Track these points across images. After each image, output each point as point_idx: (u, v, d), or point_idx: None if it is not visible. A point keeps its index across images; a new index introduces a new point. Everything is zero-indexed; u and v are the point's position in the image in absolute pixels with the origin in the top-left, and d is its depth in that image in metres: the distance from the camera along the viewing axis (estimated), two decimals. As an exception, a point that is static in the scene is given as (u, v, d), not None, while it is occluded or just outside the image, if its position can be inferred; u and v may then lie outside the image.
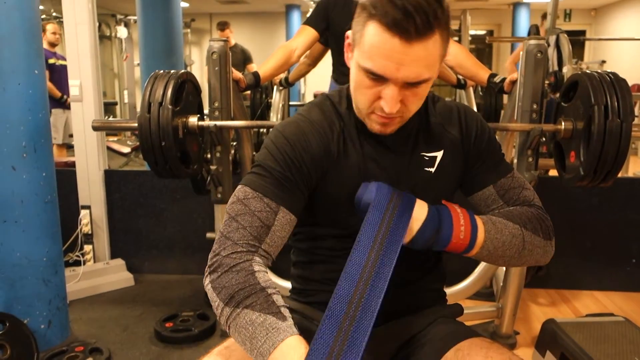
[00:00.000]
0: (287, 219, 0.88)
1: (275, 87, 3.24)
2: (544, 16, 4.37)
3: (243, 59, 5.32)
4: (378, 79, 0.83)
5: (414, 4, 0.76)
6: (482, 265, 2.11)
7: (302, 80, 3.09)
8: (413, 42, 0.77)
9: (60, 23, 5.58)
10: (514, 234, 0.91)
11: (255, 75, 2.11)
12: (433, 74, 0.84)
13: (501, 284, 2.08)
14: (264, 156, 0.90)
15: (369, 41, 0.80)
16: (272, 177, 0.88)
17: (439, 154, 0.97)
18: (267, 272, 0.85)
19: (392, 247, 0.81)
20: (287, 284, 1.14)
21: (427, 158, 0.96)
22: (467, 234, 0.87)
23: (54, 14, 6.53)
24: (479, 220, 0.90)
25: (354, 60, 0.86)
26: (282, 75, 2.90)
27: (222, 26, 5.40)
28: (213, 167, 1.98)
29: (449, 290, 1.16)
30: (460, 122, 0.99)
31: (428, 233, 0.85)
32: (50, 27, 4.79)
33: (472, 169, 1.00)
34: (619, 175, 1.70)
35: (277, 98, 3.26)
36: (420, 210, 0.86)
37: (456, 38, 3.89)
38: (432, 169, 0.96)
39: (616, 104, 1.57)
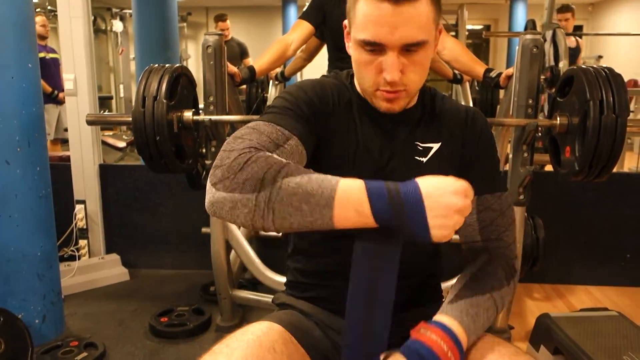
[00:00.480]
0: (298, 149, 0.83)
1: (271, 82, 3.23)
2: (561, 9, 4.36)
3: (240, 52, 5.30)
4: (376, 49, 0.84)
5: None
6: (477, 260, 2.12)
7: (298, 74, 3.08)
8: (402, 3, 0.79)
9: (55, 16, 5.55)
10: (488, 307, 0.88)
11: (251, 69, 2.10)
12: (428, 37, 0.84)
13: (496, 278, 2.09)
14: (277, 101, 0.90)
15: (361, 13, 0.83)
16: (283, 112, 0.87)
17: (435, 146, 0.97)
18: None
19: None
20: (282, 279, 1.14)
21: (420, 148, 0.96)
22: (456, 354, 0.80)
23: (49, 7, 6.48)
24: (457, 330, 0.82)
25: (352, 40, 0.88)
26: (278, 70, 2.89)
27: (222, 17, 5.35)
28: (208, 162, 1.97)
29: (444, 285, 1.17)
30: (466, 121, 0.99)
31: None
32: (38, 19, 4.71)
33: (465, 174, 0.93)
34: (615, 170, 1.70)
35: (272, 92, 3.25)
36: None
37: (453, 33, 3.88)
38: (424, 159, 0.96)
39: (611, 99, 1.57)
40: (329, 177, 0.73)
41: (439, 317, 0.85)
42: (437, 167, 0.95)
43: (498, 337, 0.91)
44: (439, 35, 0.91)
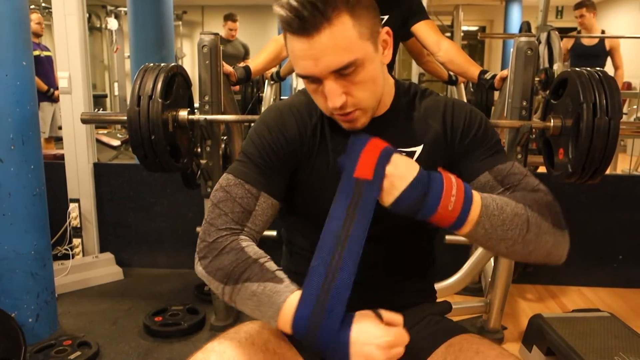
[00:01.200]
0: (268, 204, 0.91)
1: (266, 82, 3.23)
2: (577, 5, 4.16)
3: (244, 53, 5.29)
4: (312, 80, 0.85)
5: (299, 0, 0.77)
6: (471, 260, 2.13)
7: (293, 74, 3.08)
8: (313, 35, 0.79)
9: (49, 14, 5.52)
10: (517, 212, 0.82)
11: (246, 69, 2.10)
12: (357, 55, 0.81)
13: (489, 279, 2.10)
14: (246, 144, 0.95)
15: (289, 50, 0.84)
16: (253, 163, 0.91)
17: (417, 149, 0.95)
18: (254, 245, 0.88)
19: (365, 210, 0.80)
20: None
21: (404, 153, 0.93)
22: (458, 206, 0.78)
23: (43, 4, 6.45)
24: (475, 195, 0.81)
25: None
26: (274, 70, 2.89)
27: (233, 17, 5.30)
28: (203, 161, 1.97)
29: (437, 286, 1.17)
30: (444, 115, 0.95)
31: (414, 195, 0.78)
32: (34, 16, 4.69)
33: (464, 162, 0.94)
34: (608, 172, 1.71)
35: (268, 92, 3.25)
36: (407, 169, 0.80)
37: (448, 34, 3.89)
38: None
39: (604, 101, 1.58)
40: (281, 290, 0.81)
41: None
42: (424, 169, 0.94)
43: (485, 338, 0.91)
44: (386, 42, 0.88)
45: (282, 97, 3.63)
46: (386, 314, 0.80)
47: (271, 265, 0.85)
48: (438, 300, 1.11)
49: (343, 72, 0.82)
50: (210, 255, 0.86)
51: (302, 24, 0.78)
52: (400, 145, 0.94)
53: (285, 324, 0.80)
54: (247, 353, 0.84)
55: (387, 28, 0.88)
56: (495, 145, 0.94)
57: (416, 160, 0.92)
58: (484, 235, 0.81)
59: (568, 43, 4.29)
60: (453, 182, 0.80)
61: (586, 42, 4.31)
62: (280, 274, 0.84)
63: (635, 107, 4.82)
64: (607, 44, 4.21)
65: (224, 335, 0.89)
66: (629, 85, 6.10)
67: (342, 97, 0.84)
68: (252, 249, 0.87)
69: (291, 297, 0.80)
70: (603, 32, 4.23)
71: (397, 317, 0.80)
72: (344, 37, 0.79)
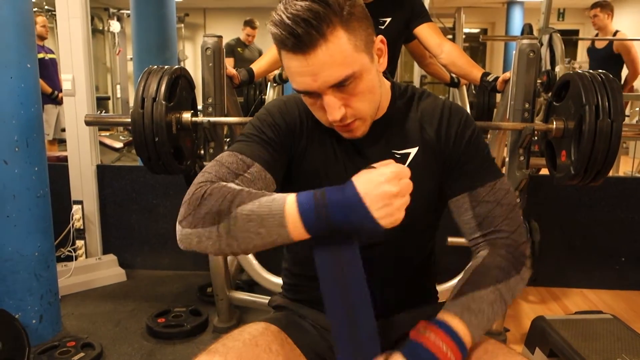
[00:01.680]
0: (260, 174, 0.88)
1: (269, 84, 3.24)
2: (595, 4, 4.05)
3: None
4: (310, 94, 0.85)
5: (292, 16, 0.77)
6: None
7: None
8: (309, 53, 0.79)
9: (53, 16, 5.54)
10: (492, 300, 0.86)
11: (249, 71, 2.11)
12: (354, 69, 0.81)
13: (492, 281, 2.10)
14: (246, 127, 0.96)
15: (286, 66, 0.84)
16: (250, 139, 0.92)
17: (412, 151, 0.95)
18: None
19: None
20: (279, 280, 1.15)
21: (398, 155, 0.95)
22: (457, 353, 0.79)
23: (46, 7, 6.47)
24: (458, 328, 0.81)
25: None
26: (277, 72, 2.90)
27: (252, 24, 5.26)
28: (206, 163, 1.98)
29: (440, 288, 1.17)
30: (440, 120, 0.96)
31: None
32: (39, 19, 4.73)
33: (452, 172, 0.95)
34: (610, 174, 1.72)
35: (270, 95, 3.26)
36: None
37: (450, 36, 3.90)
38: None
39: (607, 103, 1.58)
40: (277, 197, 0.77)
41: (440, 315, 0.84)
42: (418, 171, 0.91)
43: (492, 339, 0.92)
44: (381, 50, 0.89)
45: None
46: (376, 164, 0.78)
47: (257, 191, 0.81)
48: (440, 302, 1.11)
49: (341, 86, 0.82)
50: (192, 207, 0.79)
51: (297, 42, 0.78)
52: (395, 147, 0.96)
53: (295, 221, 0.75)
54: (251, 354, 0.84)
55: (380, 36, 0.89)
56: (481, 159, 0.95)
57: (410, 162, 0.95)
58: (479, 337, 0.85)
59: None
60: (444, 350, 0.79)
61: (598, 44, 4.21)
62: (268, 192, 0.80)
63: (637, 109, 4.81)
64: (615, 46, 4.07)
65: (227, 336, 0.89)
66: (630, 88, 6.08)
67: (342, 109, 0.84)
68: (232, 184, 0.82)
69: (289, 197, 0.77)
70: (615, 33, 4.07)
71: (387, 160, 0.79)
72: (340, 52, 0.79)
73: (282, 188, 0.93)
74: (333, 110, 0.83)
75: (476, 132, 0.96)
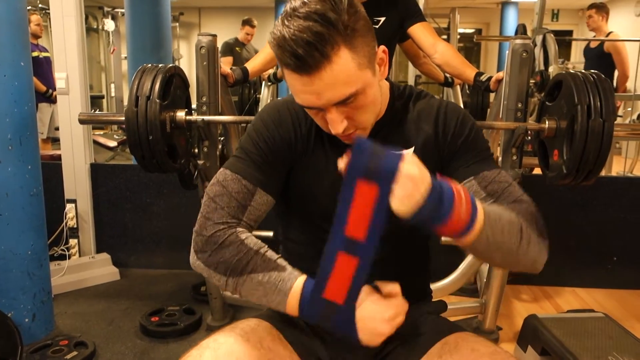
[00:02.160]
0: (263, 200, 0.93)
1: (263, 83, 3.24)
2: (592, 5, 4.12)
3: None
4: (315, 109, 0.86)
5: (295, 37, 0.76)
6: (466, 261, 2.14)
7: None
8: (314, 74, 0.78)
9: (47, 14, 5.52)
10: (511, 220, 0.83)
11: (244, 70, 2.11)
12: (357, 86, 0.81)
13: (485, 280, 2.11)
14: (244, 140, 0.97)
15: (289, 83, 0.84)
16: (250, 159, 0.93)
17: (410, 151, 0.95)
18: (252, 236, 0.90)
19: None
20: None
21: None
22: (467, 212, 0.76)
23: (41, 5, 6.44)
24: (477, 201, 0.80)
25: None
26: (271, 71, 2.90)
27: (251, 23, 5.24)
28: (200, 162, 1.98)
29: (433, 286, 1.18)
30: (437, 119, 0.96)
31: (431, 204, 0.73)
32: (34, 18, 4.71)
33: (451, 166, 0.95)
34: (603, 174, 1.73)
35: (265, 94, 3.26)
36: (420, 179, 0.73)
37: (445, 36, 3.91)
38: None
39: (599, 103, 1.60)
40: (285, 277, 0.85)
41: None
42: None
43: (481, 337, 0.92)
44: (382, 60, 0.89)
45: (278, 99, 3.64)
46: (384, 287, 0.83)
47: (272, 254, 0.88)
48: (433, 300, 1.12)
49: (344, 102, 0.83)
50: (209, 248, 0.87)
51: (302, 64, 0.77)
52: (392, 147, 0.95)
53: (293, 308, 0.84)
54: (242, 350, 0.85)
55: (383, 47, 0.89)
56: (483, 152, 0.95)
57: None
58: (485, 243, 0.80)
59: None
60: (460, 188, 0.77)
61: (592, 44, 4.33)
62: (282, 262, 0.87)
63: (630, 109, 4.84)
64: (606, 46, 4.15)
65: (219, 332, 0.90)
66: (624, 89, 6.11)
67: (344, 122, 0.85)
68: (251, 240, 0.88)
69: (296, 283, 0.84)
70: (609, 34, 4.13)
71: (395, 287, 0.83)
72: (344, 72, 0.79)
73: (282, 193, 0.97)
74: (336, 124, 0.85)
75: (475, 129, 0.97)
